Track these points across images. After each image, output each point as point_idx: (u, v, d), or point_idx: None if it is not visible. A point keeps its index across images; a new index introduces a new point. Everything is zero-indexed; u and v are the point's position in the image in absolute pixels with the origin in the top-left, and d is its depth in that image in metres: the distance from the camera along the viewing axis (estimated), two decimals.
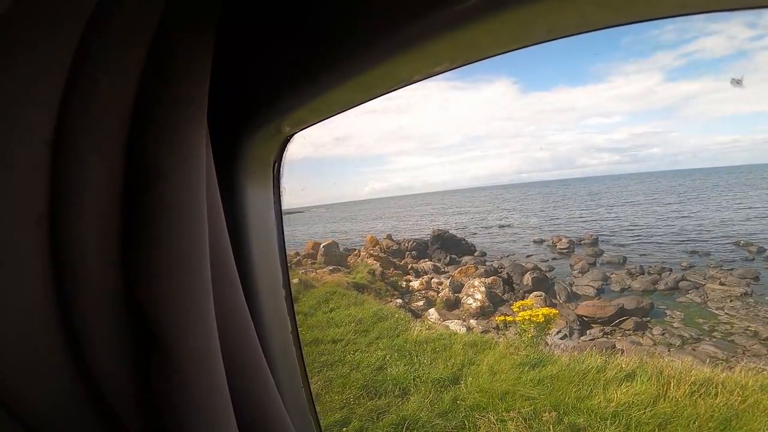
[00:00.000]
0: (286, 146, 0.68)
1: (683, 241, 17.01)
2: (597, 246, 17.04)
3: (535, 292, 10.24)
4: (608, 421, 3.34)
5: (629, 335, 8.37)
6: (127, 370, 0.40)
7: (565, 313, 9.25)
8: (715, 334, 8.19)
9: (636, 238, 18.87)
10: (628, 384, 3.80)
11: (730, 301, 9.72)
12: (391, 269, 11.82)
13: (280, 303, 0.73)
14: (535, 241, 19.96)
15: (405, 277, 11.62)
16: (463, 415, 3.62)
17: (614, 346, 7.24)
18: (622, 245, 17.33)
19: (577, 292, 11.34)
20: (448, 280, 11.12)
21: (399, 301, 9.28)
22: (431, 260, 14.61)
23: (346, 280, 9.03)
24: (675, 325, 8.76)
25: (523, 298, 9.20)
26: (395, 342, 5.24)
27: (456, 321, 8.43)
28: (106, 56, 0.36)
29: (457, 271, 12.30)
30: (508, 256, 16.63)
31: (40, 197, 0.34)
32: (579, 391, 3.76)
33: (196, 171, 0.40)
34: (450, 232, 18.08)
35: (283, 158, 0.70)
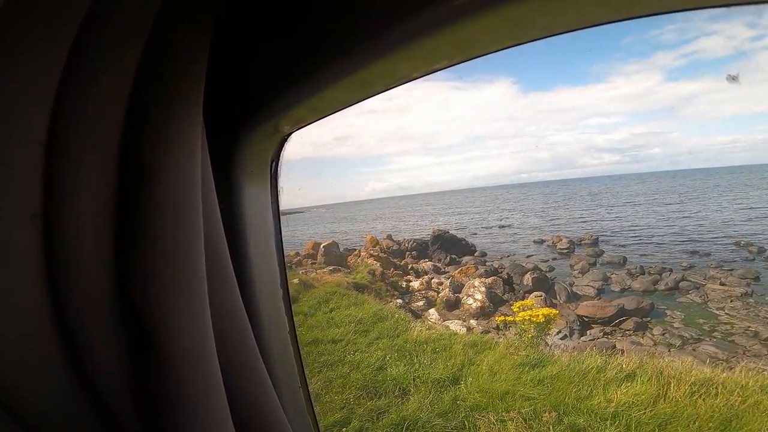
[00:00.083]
0: (283, 145, 0.68)
1: (684, 241, 17.02)
2: (597, 246, 17.04)
3: (536, 293, 10.25)
4: (608, 422, 3.34)
5: (629, 335, 8.37)
6: (123, 370, 0.40)
7: (566, 314, 9.25)
8: (715, 334, 8.19)
9: (636, 238, 18.88)
10: (628, 384, 3.79)
11: (731, 301, 9.72)
12: (392, 269, 11.82)
13: (277, 303, 0.73)
14: (535, 242, 19.97)
15: (405, 278, 11.62)
16: (463, 415, 3.62)
17: (614, 347, 7.24)
18: (623, 245, 17.34)
19: (578, 292, 11.34)
20: (449, 281, 11.12)
21: (399, 301, 9.28)
22: (431, 260, 14.62)
23: (346, 281, 9.03)
24: (675, 325, 8.76)
25: (523, 299, 9.20)
26: (395, 342, 5.23)
27: (456, 321, 8.43)
28: (103, 56, 0.35)
29: (457, 272, 12.31)
30: (508, 256, 16.64)
31: (34, 197, 0.34)
32: (579, 392, 3.76)
33: (191, 170, 0.40)
34: (450, 232, 18.08)
35: (280, 157, 0.69)
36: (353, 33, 0.43)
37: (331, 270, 10.52)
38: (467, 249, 16.82)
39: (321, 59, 0.47)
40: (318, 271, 10.31)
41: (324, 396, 4.11)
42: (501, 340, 5.39)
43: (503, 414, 3.57)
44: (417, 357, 4.76)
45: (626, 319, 8.83)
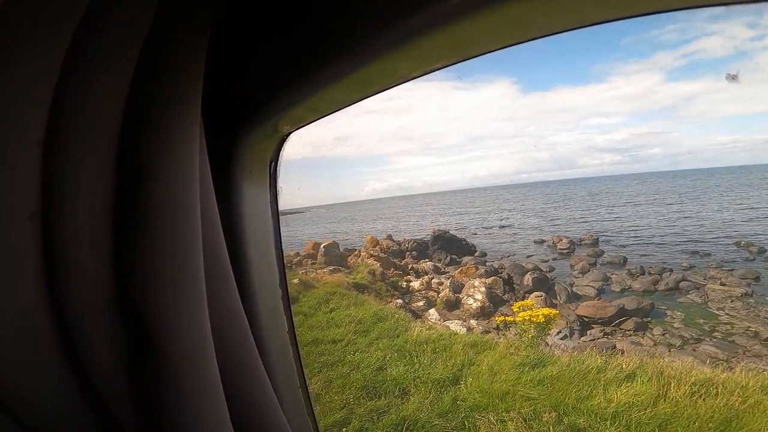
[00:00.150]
0: (283, 145, 0.68)
1: (684, 241, 17.01)
2: (597, 246, 17.04)
3: (536, 293, 10.25)
4: (608, 422, 3.33)
5: (629, 336, 8.37)
6: (122, 369, 0.40)
7: (566, 314, 9.24)
8: (715, 334, 8.18)
9: (636, 238, 18.87)
10: (629, 384, 3.79)
11: (731, 301, 9.72)
12: (392, 269, 11.82)
13: (277, 302, 0.73)
14: (535, 242, 19.98)
15: (405, 278, 11.62)
16: (463, 415, 3.62)
17: (614, 347, 7.24)
18: (623, 246, 17.33)
19: (578, 292, 11.34)
20: (449, 281, 11.12)
21: (399, 301, 9.27)
22: (431, 260, 14.62)
23: (347, 281, 9.03)
24: (675, 325, 8.75)
25: (523, 299, 9.21)
26: (395, 342, 5.23)
27: (456, 321, 8.43)
28: (101, 55, 0.35)
29: (457, 272, 12.31)
30: (508, 256, 16.64)
31: (33, 196, 0.34)
32: (579, 392, 3.76)
33: (190, 170, 0.39)
34: (450, 232, 18.09)
35: (280, 157, 0.69)
36: (353, 33, 0.43)
37: (331, 270, 10.53)
38: (467, 249, 16.82)
39: (320, 59, 0.47)
40: (318, 271, 10.31)
41: (324, 396, 4.11)
42: (501, 340, 5.38)
43: (503, 414, 3.56)
44: (417, 357, 4.76)
45: (626, 320, 8.83)
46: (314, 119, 0.61)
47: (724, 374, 3.94)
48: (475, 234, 24.40)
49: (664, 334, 8.26)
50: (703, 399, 3.49)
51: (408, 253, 15.45)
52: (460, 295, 9.93)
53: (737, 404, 3.38)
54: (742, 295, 9.94)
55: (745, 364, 4.97)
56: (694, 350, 7.38)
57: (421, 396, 3.97)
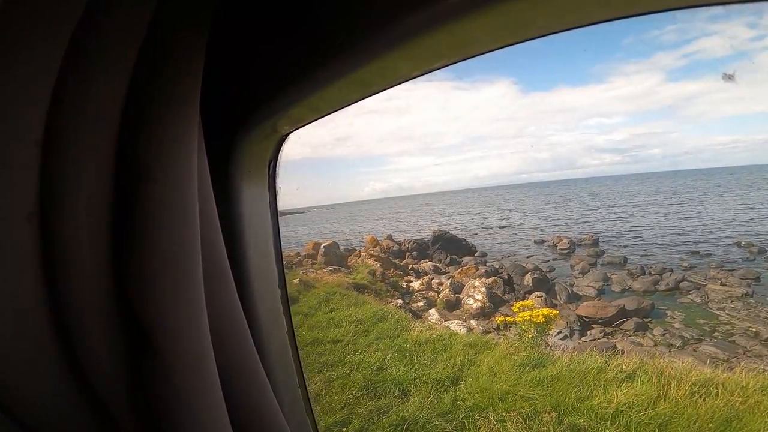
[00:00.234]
0: (282, 145, 0.68)
1: (684, 241, 17.01)
2: (598, 246, 17.03)
3: (536, 293, 10.25)
4: (608, 422, 3.33)
5: (630, 336, 8.37)
6: (120, 370, 0.40)
7: (566, 314, 9.24)
8: (715, 334, 8.18)
9: (637, 238, 18.87)
10: (629, 385, 3.79)
11: (731, 301, 9.71)
12: (392, 270, 11.82)
13: (276, 303, 0.73)
14: (535, 242, 19.98)
15: (405, 278, 11.62)
16: (463, 415, 3.62)
17: (615, 347, 7.23)
18: (623, 246, 17.32)
19: (578, 292, 11.34)
20: (449, 281, 11.12)
21: (399, 301, 9.27)
22: (432, 261, 14.62)
23: (347, 281, 9.03)
24: (676, 325, 8.75)
25: (523, 299, 9.20)
26: (395, 342, 5.23)
27: (456, 321, 8.43)
28: (100, 55, 0.35)
29: (457, 272, 12.30)
30: (508, 256, 16.64)
31: (31, 196, 0.34)
32: (579, 392, 3.76)
33: (189, 170, 0.39)
34: (450, 232, 18.08)
35: (279, 157, 0.69)
36: (352, 32, 0.42)
37: (331, 270, 10.53)
38: (467, 249, 16.82)
39: (320, 59, 0.47)
40: (318, 272, 10.31)
41: (324, 396, 4.11)
42: (501, 340, 5.38)
43: (503, 414, 3.56)
44: (417, 357, 4.76)
45: (627, 320, 8.82)
46: (314, 119, 0.61)
47: (725, 374, 3.94)
48: (476, 234, 24.40)
49: (664, 335, 8.25)
50: (704, 399, 3.49)
51: (408, 253, 15.45)
52: (461, 296, 9.93)
53: (737, 404, 3.38)
54: (742, 296, 9.93)
55: (745, 364, 4.96)
56: (695, 350, 7.37)
57: (421, 396, 3.97)
